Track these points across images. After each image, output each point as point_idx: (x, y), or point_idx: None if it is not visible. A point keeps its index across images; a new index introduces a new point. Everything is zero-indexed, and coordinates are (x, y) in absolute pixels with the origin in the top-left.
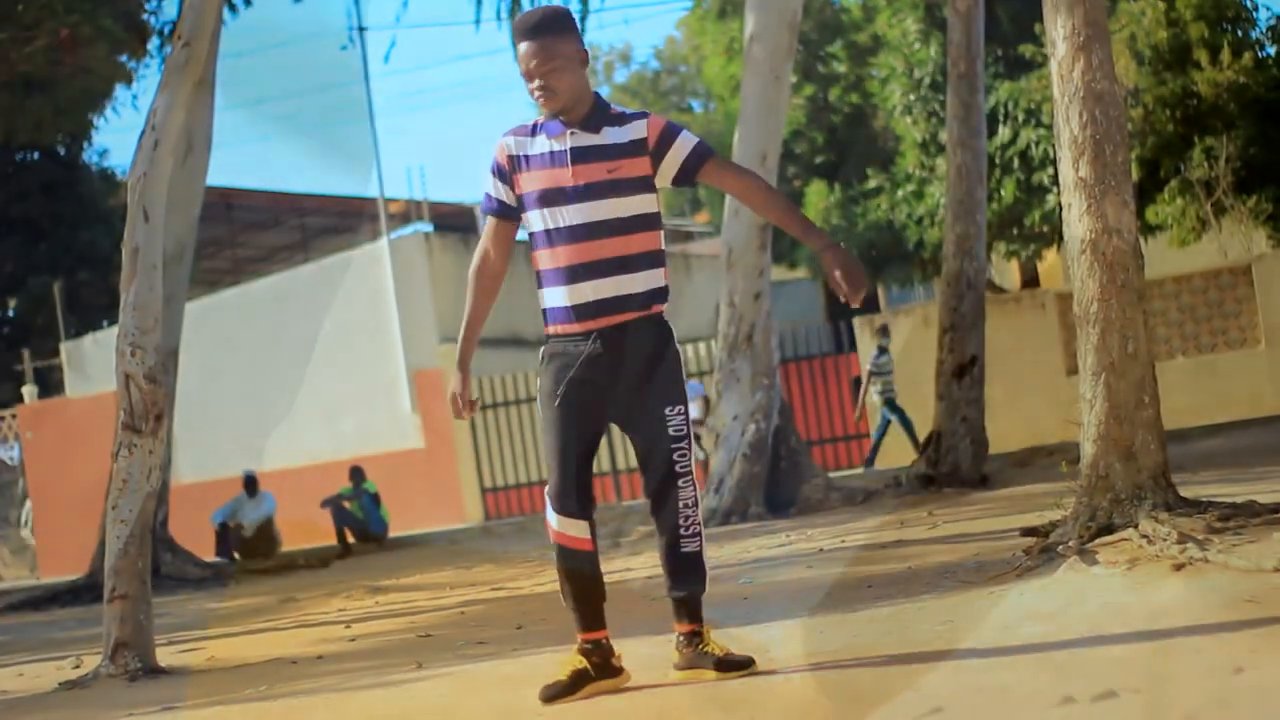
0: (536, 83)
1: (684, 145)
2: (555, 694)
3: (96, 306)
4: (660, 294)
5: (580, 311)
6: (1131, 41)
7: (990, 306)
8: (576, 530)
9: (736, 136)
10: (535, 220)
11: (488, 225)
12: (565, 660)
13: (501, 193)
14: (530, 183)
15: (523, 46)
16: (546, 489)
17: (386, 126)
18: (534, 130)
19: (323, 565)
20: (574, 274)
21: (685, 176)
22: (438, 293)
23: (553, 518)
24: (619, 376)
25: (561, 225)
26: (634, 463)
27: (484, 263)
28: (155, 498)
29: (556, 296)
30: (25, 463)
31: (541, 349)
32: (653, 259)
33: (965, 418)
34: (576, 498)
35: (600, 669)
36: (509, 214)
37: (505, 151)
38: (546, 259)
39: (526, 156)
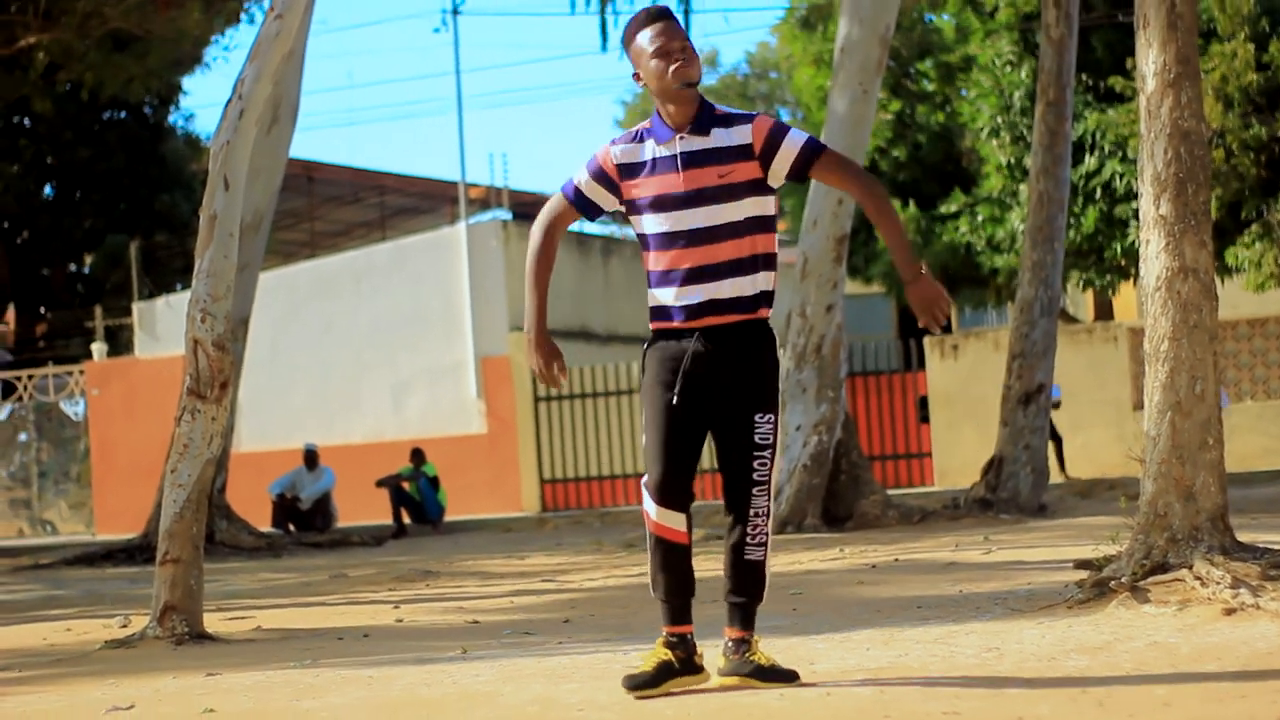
0: (676, 54)
1: (793, 145)
2: (639, 684)
3: (172, 269)
4: (767, 298)
5: (688, 311)
6: (1222, 83)
7: (1062, 336)
8: (675, 523)
9: None
10: (649, 224)
11: (558, 205)
12: (651, 653)
13: (592, 191)
14: (643, 189)
15: (655, 28)
16: (644, 480)
17: (473, 113)
18: (640, 137)
19: (376, 544)
20: (687, 276)
21: (797, 174)
22: (512, 280)
23: (651, 508)
24: (718, 376)
25: (675, 230)
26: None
27: (547, 240)
28: (215, 464)
29: (666, 296)
30: (89, 420)
31: (644, 345)
32: (766, 261)
33: (1028, 445)
34: (678, 491)
35: (684, 664)
36: (586, 210)
37: (612, 161)
38: (661, 261)
39: (637, 164)
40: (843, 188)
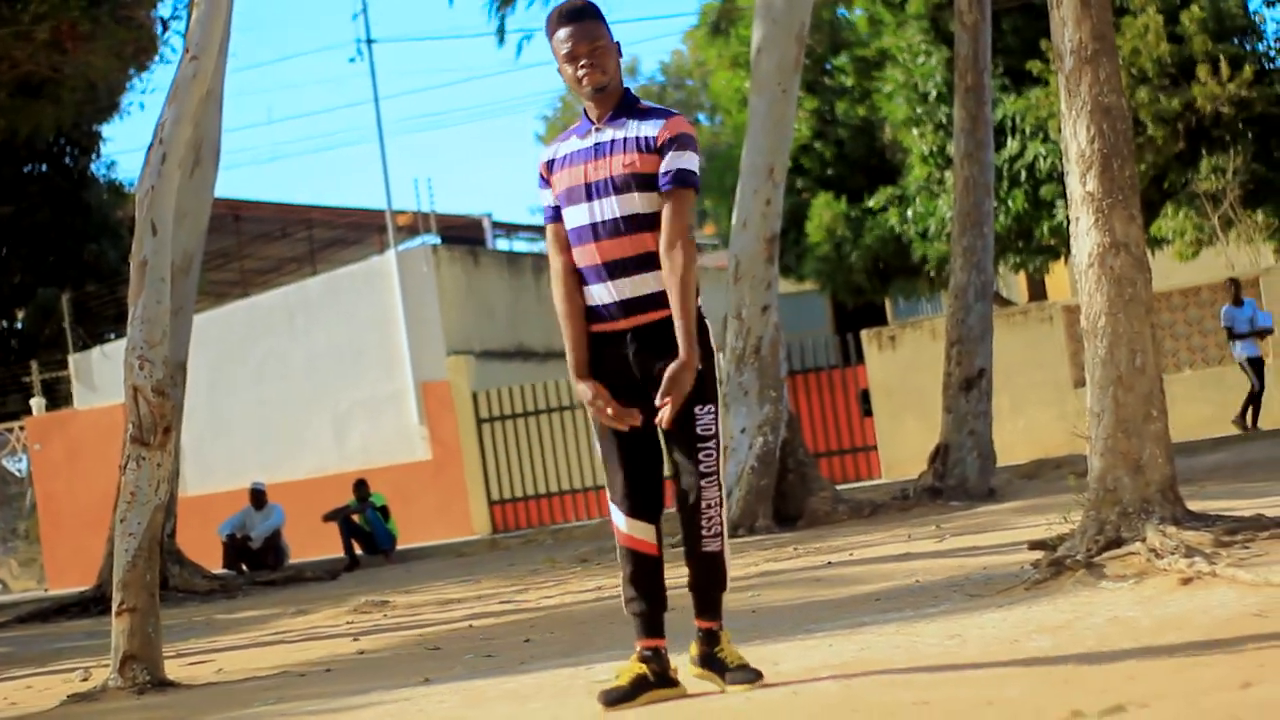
0: (583, 61)
1: (679, 160)
2: (616, 699)
3: (104, 318)
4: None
5: (616, 309)
6: (1134, 56)
7: (998, 319)
8: (644, 534)
9: (744, 150)
10: (569, 218)
11: (550, 234)
12: (625, 667)
13: (551, 200)
14: (561, 182)
15: (564, 31)
16: (608, 493)
17: (395, 140)
18: (568, 135)
19: (330, 578)
20: (606, 270)
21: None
22: (445, 305)
23: (620, 520)
24: (655, 373)
25: (590, 221)
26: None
27: (563, 269)
28: (164, 510)
29: (592, 294)
30: (33, 475)
31: None
32: None
33: (973, 430)
34: (645, 500)
35: (659, 677)
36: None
37: (543, 160)
38: (581, 256)
39: (559, 159)
40: (663, 229)
